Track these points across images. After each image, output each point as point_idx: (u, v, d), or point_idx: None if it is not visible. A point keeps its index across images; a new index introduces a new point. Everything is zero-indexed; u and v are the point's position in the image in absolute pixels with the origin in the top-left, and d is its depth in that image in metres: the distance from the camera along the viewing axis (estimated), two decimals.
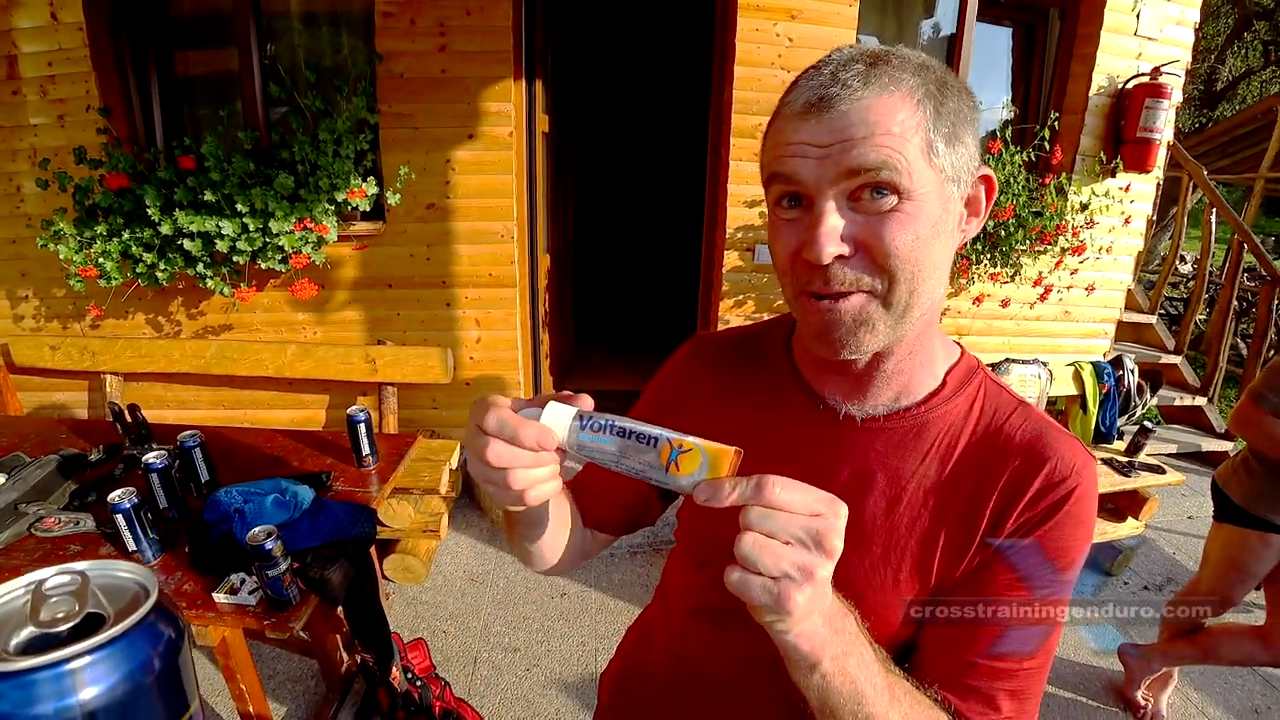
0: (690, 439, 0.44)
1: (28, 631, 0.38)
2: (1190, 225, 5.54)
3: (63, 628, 0.38)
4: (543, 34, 2.83)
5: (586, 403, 0.46)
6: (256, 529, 1.25)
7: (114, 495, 1.37)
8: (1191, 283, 4.55)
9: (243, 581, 1.33)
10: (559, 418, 0.44)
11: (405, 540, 2.50)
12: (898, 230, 0.47)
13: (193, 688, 0.42)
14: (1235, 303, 5.80)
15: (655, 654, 0.76)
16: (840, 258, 0.48)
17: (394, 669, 1.79)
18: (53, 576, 0.41)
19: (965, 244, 0.55)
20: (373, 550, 1.88)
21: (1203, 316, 6.07)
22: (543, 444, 0.44)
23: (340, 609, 1.58)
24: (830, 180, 0.47)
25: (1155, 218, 4.64)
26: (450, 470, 2.59)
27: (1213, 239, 4.20)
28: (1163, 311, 6.37)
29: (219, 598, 1.30)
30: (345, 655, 1.96)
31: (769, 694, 0.63)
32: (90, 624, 0.39)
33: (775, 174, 0.50)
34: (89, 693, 0.36)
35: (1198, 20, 3.30)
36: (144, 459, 1.52)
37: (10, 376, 2.97)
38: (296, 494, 1.56)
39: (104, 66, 2.64)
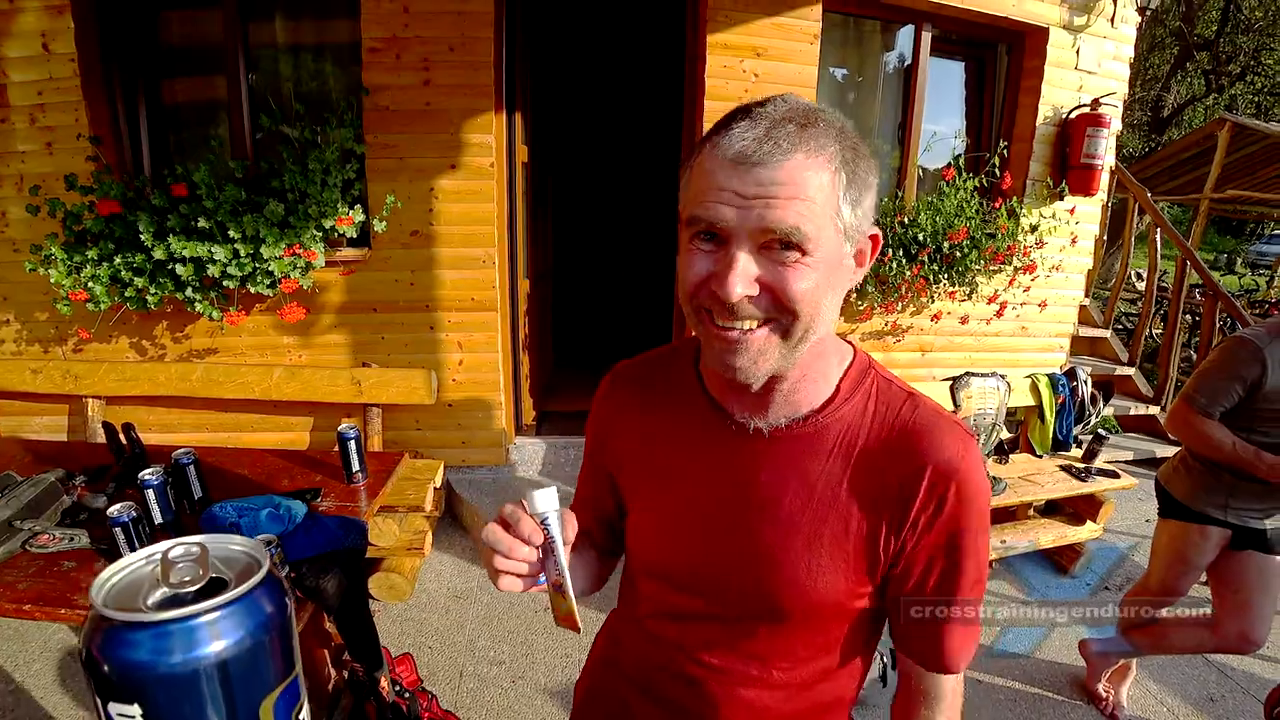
0: (568, 591, 0.60)
1: (160, 592, 0.42)
2: (1141, 244, 5.84)
3: (190, 589, 0.42)
4: (522, 68, 2.97)
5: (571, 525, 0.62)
6: (256, 538, 1.32)
7: (113, 509, 1.42)
8: None
9: None
10: (548, 500, 0.60)
11: (390, 558, 2.53)
12: (798, 279, 0.54)
13: (298, 652, 0.46)
14: (1187, 316, 6.11)
15: (624, 656, 0.83)
16: (747, 297, 0.54)
17: (383, 680, 1.83)
18: (176, 546, 0.45)
19: (854, 288, 0.64)
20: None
21: (1159, 330, 6.36)
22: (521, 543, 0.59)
23: (332, 619, 1.64)
24: (748, 231, 0.53)
25: (1106, 238, 4.92)
26: (434, 489, 2.64)
27: (1159, 257, 4.45)
28: (1120, 326, 6.66)
29: None
30: (333, 670, 2.00)
31: (727, 683, 0.71)
32: (213, 587, 0.42)
33: (698, 216, 0.55)
34: (220, 644, 0.40)
35: (1132, 56, 3.57)
36: (141, 475, 1.57)
37: None
38: (290, 508, 1.62)
39: (94, 96, 2.71)
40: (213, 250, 2.44)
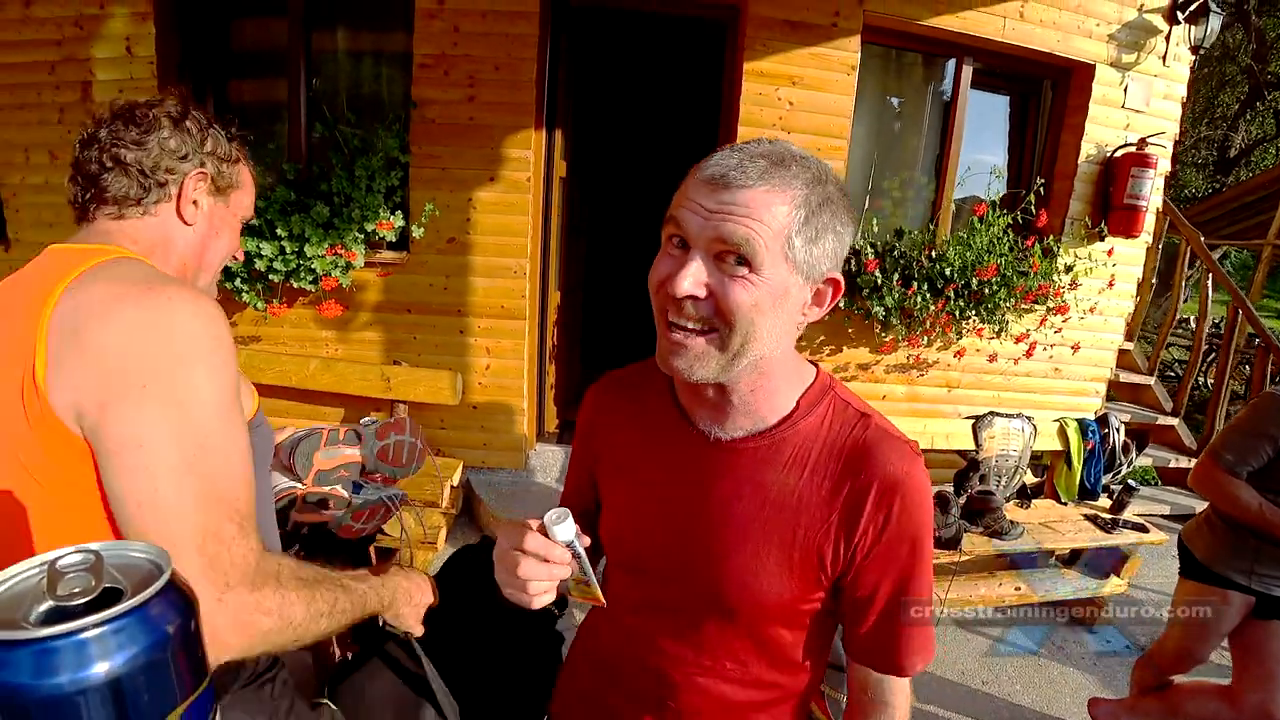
0: (593, 581, 0.69)
1: (45, 606, 0.38)
2: (1196, 288, 5.61)
3: (80, 601, 0.38)
4: (564, 88, 3.07)
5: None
6: None
7: None
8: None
9: None
10: (569, 529, 0.66)
11: (403, 550, 2.62)
12: (741, 292, 0.60)
13: (206, 662, 0.43)
14: (1246, 366, 5.82)
15: (600, 647, 0.88)
16: (693, 298, 0.61)
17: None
18: (67, 555, 0.41)
19: (803, 326, 0.69)
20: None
21: (1213, 380, 6.08)
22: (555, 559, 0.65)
23: None
24: (705, 239, 0.61)
25: (1156, 280, 4.75)
26: (452, 487, 2.73)
27: (1209, 303, 4.28)
28: (1171, 374, 6.39)
29: None
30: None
31: (685, 672, 0.76)
32: (107, 598, 0.39)
33: (672, 217, 0.64)
34: (109, 663, 0.36)
35: (1185, 95, 3.48)
36: None
37: None
38: None
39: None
40: (260, 246, 2.60)
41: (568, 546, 0.66)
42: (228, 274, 2.72)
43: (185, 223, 0.86)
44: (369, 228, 2.71)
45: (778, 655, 0.75)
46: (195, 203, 0.86)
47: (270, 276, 2.69)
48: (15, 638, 0.35)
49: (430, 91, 2.79)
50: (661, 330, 0.66)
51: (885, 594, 0.69)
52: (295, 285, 2.72)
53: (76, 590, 0.38)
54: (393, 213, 2.76)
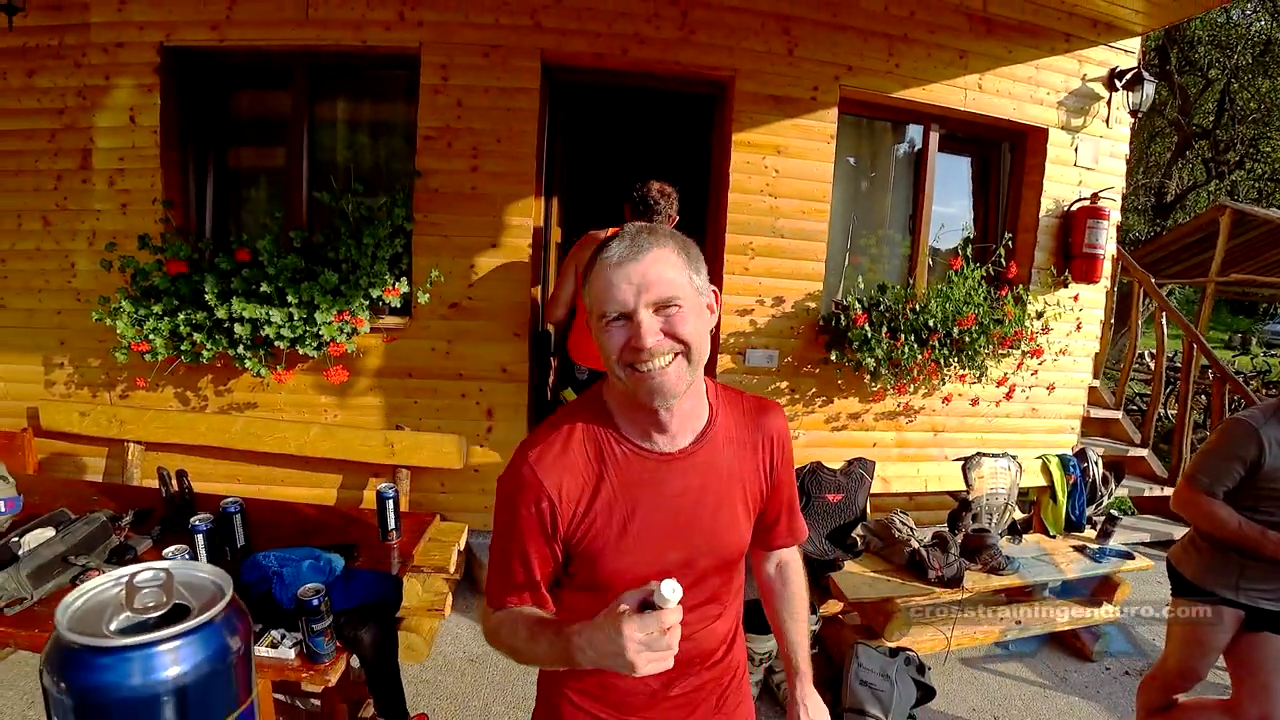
0: None
1: (124, 617, 0.42)
2: (1150, 326, 5.95)
3: (153, 615, 0.42)
4: (561, 158, 3.22)
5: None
6: (306, 586, 1.40)
7: (167, 551, 1.52)
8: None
9: (283, 636, 1.45)
10: (678, 591, 0.71)
11: (410, 618, 2.57)
12: (682, 322, 0.82)
13: (254, 677, 0.47)
14: (1202, 396, 6.13)
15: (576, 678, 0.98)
16: (656, 340, 0.81)
17: None
18: (142, 572, 0.46)
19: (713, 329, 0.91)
20: None
21: (1175, 410, 6.37)
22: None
23: (364, 671, 1.70)
24: (644, 303, 0.81)
25: (1114, 320, 5.04)
26: (458, 551, 2.70)
27: (1165, 339, 4.55)
28: (1134, 407, 6.69)
29: (259, 651, 1.42)
30: None
31: (700, 619, 0.96)
32: (176, 613, 0.43)
33: (607, 311, 0.82)
34: (176, 670, 0.40)
35: (1128, 153, 3.80)
36: (192, 521, 1.67)
37: (34, 439, 3.09)
38: (330, 561, 1.71)
39: (170, 164, 2.97)
40: (270, 313, 2.62)
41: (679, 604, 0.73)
42: (232, 341, 2.73)
43: None
44: (375, 294, 2.76)
45: (735, 587, 1.04)
46: None
47: (276, 343, 2.70)
48: (98, 644, 0.40)
49: (434, 162, 2.90)
50: (636, 378, 0.84)
51: (787, 497, 1.07)
52: (300, 351, 2.73)
53: (150, 604, 0.43)
54: (398, 279, 2.82)
